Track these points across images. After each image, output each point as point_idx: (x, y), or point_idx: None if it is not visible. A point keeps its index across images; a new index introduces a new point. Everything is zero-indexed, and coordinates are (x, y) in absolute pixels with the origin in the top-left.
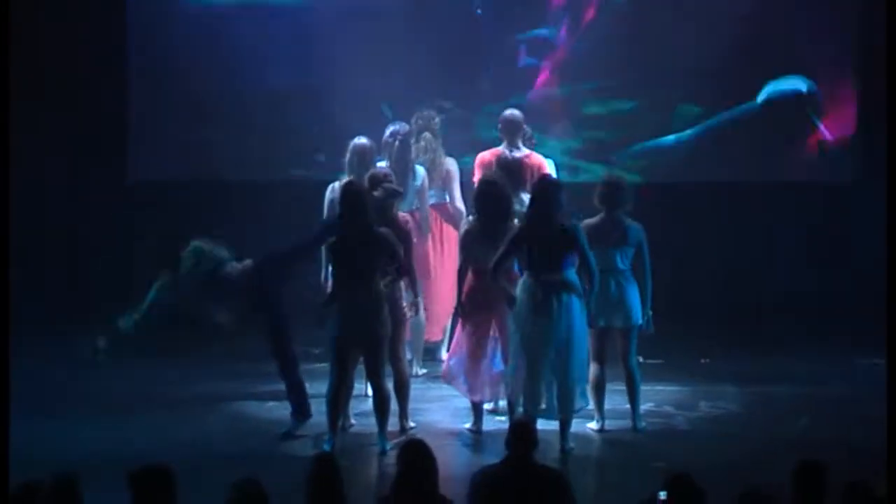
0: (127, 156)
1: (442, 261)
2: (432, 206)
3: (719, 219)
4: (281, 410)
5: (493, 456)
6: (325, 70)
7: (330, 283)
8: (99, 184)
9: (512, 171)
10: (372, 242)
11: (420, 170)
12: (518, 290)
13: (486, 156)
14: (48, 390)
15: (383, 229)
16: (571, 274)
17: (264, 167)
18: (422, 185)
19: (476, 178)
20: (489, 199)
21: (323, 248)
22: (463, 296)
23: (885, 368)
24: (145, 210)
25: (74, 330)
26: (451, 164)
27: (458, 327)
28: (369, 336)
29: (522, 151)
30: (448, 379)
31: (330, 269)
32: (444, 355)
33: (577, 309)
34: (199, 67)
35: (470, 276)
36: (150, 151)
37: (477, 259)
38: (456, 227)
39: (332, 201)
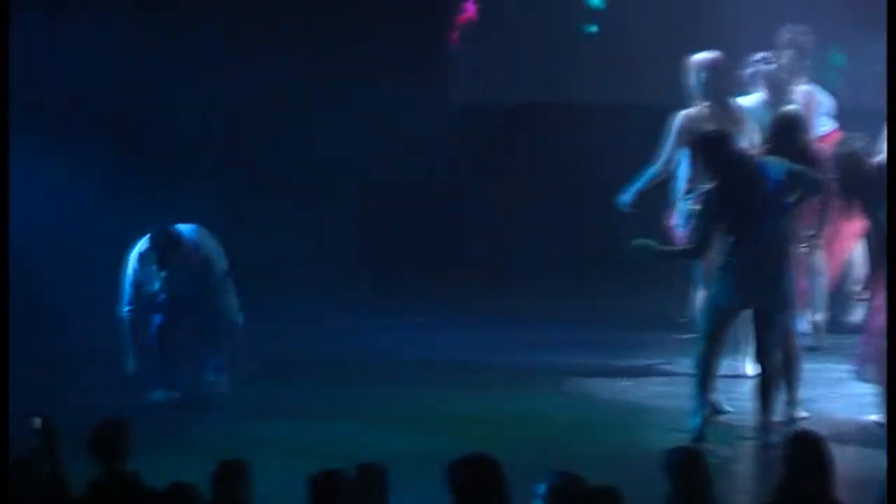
0: (448, 77)
1: None
2: None
3: None
4: (638, 391)
5: None
6: None
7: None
8: (420, 106)
9: None
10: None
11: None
12: None
13: None
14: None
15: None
16: None
17: (599, 90)
18: None
19: None
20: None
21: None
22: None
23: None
24: (466, 135)
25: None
26: (802, 95)
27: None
28: (773, 304)
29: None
30: (858, 362)
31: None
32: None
33: None
34: None
35: None
36: (472, 72)
37: None
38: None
39: (683, 129)
